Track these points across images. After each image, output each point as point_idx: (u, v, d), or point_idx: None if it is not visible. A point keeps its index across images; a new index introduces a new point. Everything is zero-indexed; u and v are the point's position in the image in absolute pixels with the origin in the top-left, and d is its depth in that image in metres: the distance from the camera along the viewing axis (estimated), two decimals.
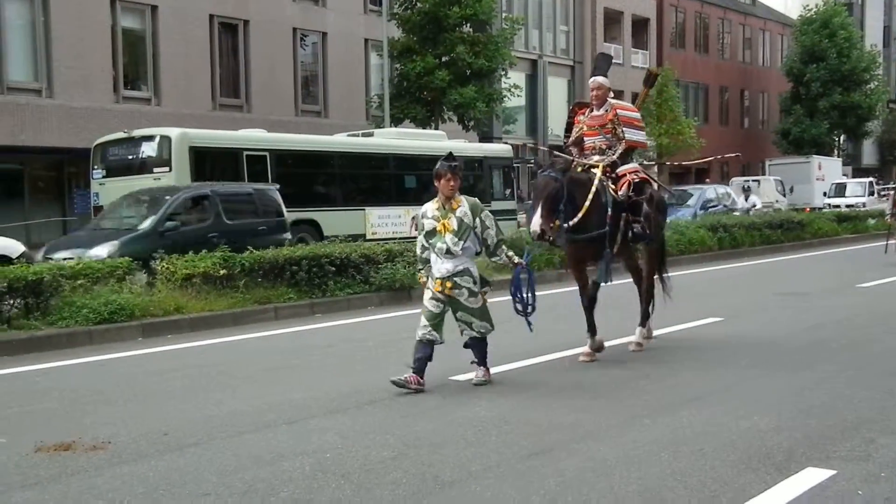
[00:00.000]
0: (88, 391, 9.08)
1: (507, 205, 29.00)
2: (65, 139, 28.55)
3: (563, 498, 5.42)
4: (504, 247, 8.78)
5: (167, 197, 16.90)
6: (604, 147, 10.35)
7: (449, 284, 8.46)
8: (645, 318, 10.79)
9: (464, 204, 8.52)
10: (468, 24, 33.92)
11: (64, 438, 6.91)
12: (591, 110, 10.48)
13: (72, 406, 8.38)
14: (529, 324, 9.19)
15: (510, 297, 9.21)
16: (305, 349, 11.41)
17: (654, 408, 7.73)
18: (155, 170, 20.60)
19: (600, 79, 10.44)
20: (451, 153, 8.72)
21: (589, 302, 9.97)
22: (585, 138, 10.48)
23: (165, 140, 20.79)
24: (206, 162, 21.38)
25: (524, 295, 9.09)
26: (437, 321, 8.51)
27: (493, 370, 8.96)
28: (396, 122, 32.06)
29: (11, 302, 12.07)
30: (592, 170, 10.04)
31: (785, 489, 5.51)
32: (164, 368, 10.31)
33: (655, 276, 11.19)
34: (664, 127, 46.79)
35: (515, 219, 28.40)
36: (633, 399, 8.12)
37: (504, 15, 39.75)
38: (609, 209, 9.70)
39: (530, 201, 9.83)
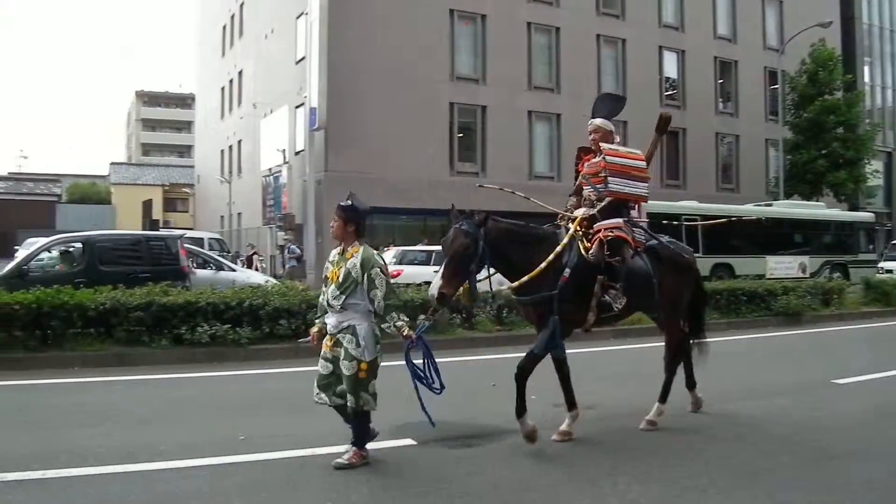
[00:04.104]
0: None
1: (869, 256, 26.98)
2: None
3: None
4: (394, 313, 5.03)
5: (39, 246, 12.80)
6: (593, 199, 6.20)
7: (331, 342, 5.10)
8: (664, 393, 6.51)
9: (358, 255, 5.06)
10: (841, 127, 31.89)
11: None
12: (594, 157, 6.27)
13: None
14: (427, 414, 5.19)
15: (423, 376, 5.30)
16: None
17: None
18: None
19: (598, 121, 6.27)
20: (350, 193, 5.30)
21: (519, 372, 5.57)
22: (584, 188, 6.36)
23: None
24: None
25: (423, 373, 5.24)
26: (324, 382, 5.13)
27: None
28: (787, 196, 30.68)
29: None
30: (570, 224, 6.12)
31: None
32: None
33: (691, 342, 6.91)
34: None
35: (875, 267, 26.24)
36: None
37: (867, 121, 36.44)
38: (567, 269, 5.70)
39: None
